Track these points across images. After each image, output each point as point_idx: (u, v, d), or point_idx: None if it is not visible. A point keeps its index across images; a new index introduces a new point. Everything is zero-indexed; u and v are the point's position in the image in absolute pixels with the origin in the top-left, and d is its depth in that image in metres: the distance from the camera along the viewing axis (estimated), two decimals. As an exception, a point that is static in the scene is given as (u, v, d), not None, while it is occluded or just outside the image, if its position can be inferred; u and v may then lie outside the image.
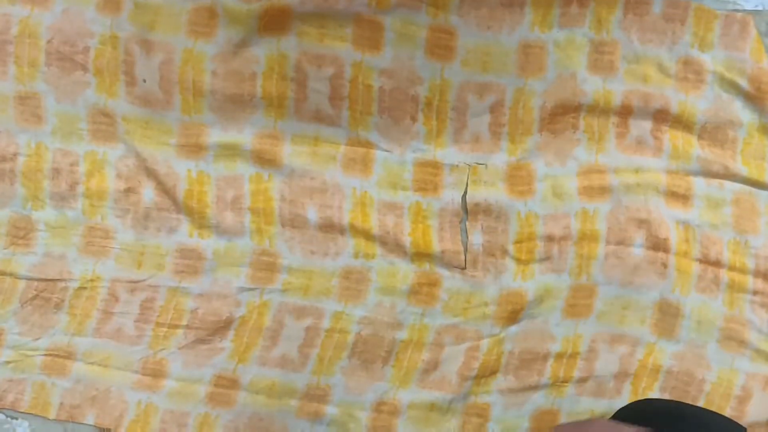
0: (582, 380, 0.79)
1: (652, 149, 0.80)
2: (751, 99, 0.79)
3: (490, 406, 0.79)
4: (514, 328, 0.79)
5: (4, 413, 0.78)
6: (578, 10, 0.77)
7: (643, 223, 0.78)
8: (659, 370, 0.80)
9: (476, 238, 0.79)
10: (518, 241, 0.80)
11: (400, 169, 0.79)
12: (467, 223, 0.79)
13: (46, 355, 0.78)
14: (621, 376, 0.80)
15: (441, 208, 0.79)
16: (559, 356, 0.79)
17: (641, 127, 0.80)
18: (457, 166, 0.79)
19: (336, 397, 0.78)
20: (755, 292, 0.80)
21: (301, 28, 0.76)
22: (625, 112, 0.79)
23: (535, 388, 0.79)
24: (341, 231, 0.79)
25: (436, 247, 0.79)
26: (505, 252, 0.79)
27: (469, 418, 0.79)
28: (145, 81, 0.77)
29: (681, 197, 0.80)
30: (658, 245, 0.78)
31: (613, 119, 0.79)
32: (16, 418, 0.78)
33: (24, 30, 0.76)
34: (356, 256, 0.79)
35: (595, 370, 0.80)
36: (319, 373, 0.78)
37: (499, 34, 0.77)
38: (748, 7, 0.78)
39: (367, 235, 0.79)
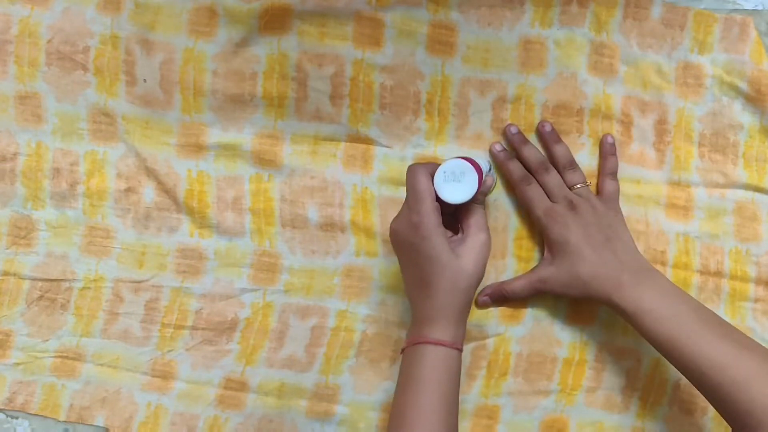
0: (591, 390, 0.83)
1: (654, 161, 0.83)
2: (751, 101, 0.82)
3: (500, 409, 0.82)
4: (520, 330, 0.82)
5: (4, 413, 0.82)
6: (578, 9, 0.80)
7: (641, 234, 0.81)
8: (666, 383, 0.83)
9: (477, 239, 0.82)
10: (518, 238, 0.83)
11: (400, 165, 0.82)
12: None
13: (55, 356, 0.81)
14: (628, 390, 0.83)
15: None
16: (567, 362, 0.82)
17: (644, 138, 0.82)
18: None
19: (345, 397, 0.81)
20: (756, 300, 0.83)
21: (301, 27, 0.79)
22: (627, 121, 0.82)
23: (545, 393, 0.82)
24: (342, 229, 0.82)
25: (437, 244, 0.82)
26: (505, 250, 0.82)
27: (479, 420, 0.82)
28: (145, 81, 0.80)
29: (681, 209, 0.83)
30: (655, 258, 0.81)
31: (617, 127, 0.81)
32: (17, 418, 0.82)
33: (24, 30, 0.79)
34: (357, 254, 0.82)
35: (603, 381, 0.83)
36: (327, 373, 0.81)
37: (499, 31, 0.80)
38: (748, 6, 0.81)
39: (369, 233, 0.82)
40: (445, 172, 0.69)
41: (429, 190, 0.69)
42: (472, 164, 0.69)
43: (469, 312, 0.72)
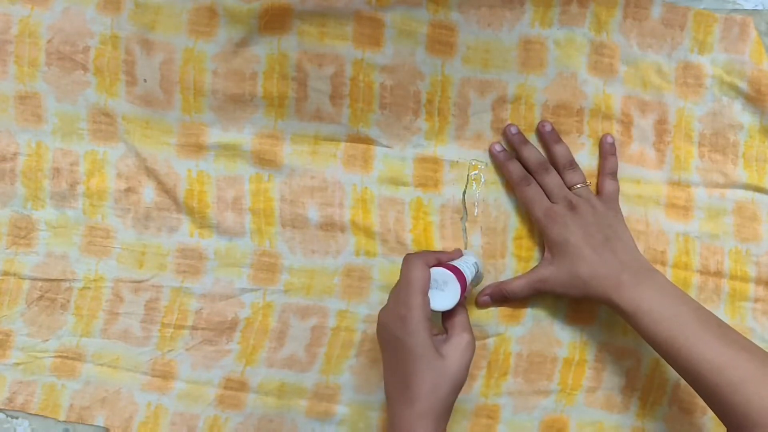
0: (591, 390, 0.83)
1: (654, 161, 0.83)
2: (751, 101, 0.82)
3: (500, 408, 0.82)
4: (520, 330, 0.82)
5: (4, 413, 0.82)
6: (578, 9, 0.80)
7: (641, 234, 0.81)
8: (666, 383, 0.83)
9: (476, 240, 0.82)
10: (518, 238, 0.83)
11: (400, 165, 0.82)
12: (466, 224, 0.82)
13: (55, 356, 0.81)
14: (628, 390, 0.83)
15: (442, 204, 0.82)
16: (567, 362, 0.82)
17: (644, 138, 0.83)
18: (457, 162, 0.82)
19: (346, 397, 0.81)
20: (756, 300, 0.84)
21: (301, 27, 0.79)
22: (627, 121, 0.82)
23: (545, 393, 0.82)
24: (342, 229, 0.82)
25: (437, 244, 0.82)
26: (505, 250, 0.82)
27: (479, 420, 0.82)
28: (145, 81, 0.80)
29: (681, 209, 0.83)
30: (655, 258, 0.82)
31: (617, 127, 0.82)
32: (17, 418, 0.82)
33: (24, 30, 0.79)
34: (357, 254, 0.82)
35: (603, 381, 0.83)
36: (328, 372, 0.82)
37: (499, 31, 0.80)
38: (748, 6, 0.81)
39: (368, 232, 0.82)
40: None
41: (422, 283, 0.68)
42: (455, 273, 0.70)
43: (447, 422, 0.68)
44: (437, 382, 0.66)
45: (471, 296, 0.82)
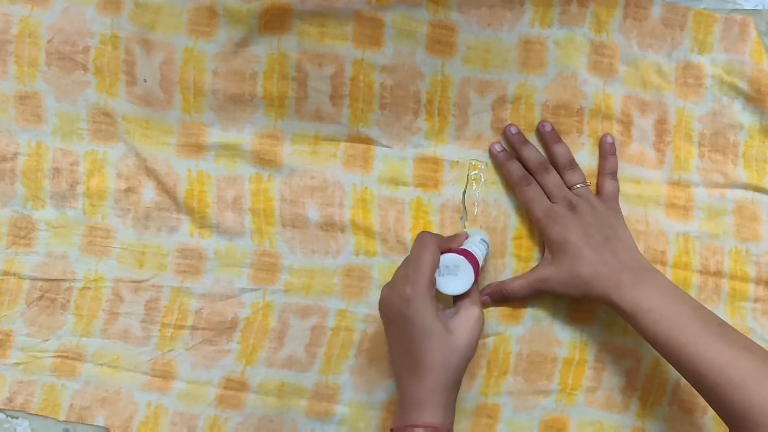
0: (591, 390, 0.83)
1: (654, 161, 0.83)
2: (751, 101, 0.82)
3: (500, 408, 0.82)
4: (519, 329, 0.82)
5: (4, 413, 0.81)
6: (578, 9, 0.80)
7: (641, 234, 0.81)
8: (666, 383, 0.83)
9: (476, 240, 0.82)
10: (518, 237, 0.83)
11: (400, 165, 0.82)
12: (466, 224, 0.82)
13: (55, 356, 0.81)
14: (628, 390, 0.83)
15: (442, 204, 0.82)
16: (567, 362, 0.82)
17: (644, 138, 0.83)
18: (457, 162, 0.82)
19: (345, 396, 0.81)
20: (756, 300, 0.84)
21: (301, 27, 0.79)
22: (627, 121, 0.82)
23: (545, 392, 0.82)
24: (342, 229, 0.82)
25: (437, 244, 0.82)
26: (504, 250, 0.82)
27: (479, 419, 0.82)
28: (146, 81, 0.80)
29: (681, 208, 0.83)
30: (655, 258, 0.82)
31: (617, 127, 0.82)
32: (17, 417, 0.82)
33: (24, 29, 0.79)
34: (357, 253, 0.82)
35: (603, 381, 0.83)
36: (327, 372, 0.81)
37: (499, 31, 0.80)
38: (748, 6, 0.81)
39: (368, 232, 0.82)
40: (440, 267, 0.70)
41: (432, 264, 0.68)
42: (466, 256, 0.71)
43: (457, 394, 0.69)
44: (447, 357, 0.67)
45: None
